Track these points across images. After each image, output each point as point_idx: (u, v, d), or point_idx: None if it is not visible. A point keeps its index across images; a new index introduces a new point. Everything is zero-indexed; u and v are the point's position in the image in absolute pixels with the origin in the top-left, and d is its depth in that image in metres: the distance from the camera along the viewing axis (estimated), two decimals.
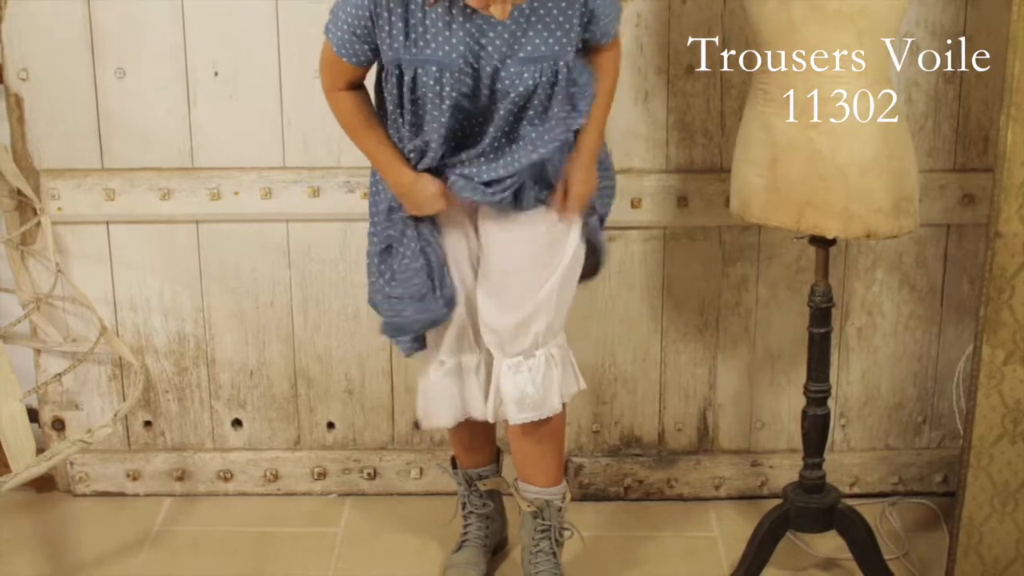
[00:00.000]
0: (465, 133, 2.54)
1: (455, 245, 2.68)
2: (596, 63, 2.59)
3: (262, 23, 3.02)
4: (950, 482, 3.26)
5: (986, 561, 2.73)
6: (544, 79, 2.45)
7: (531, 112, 2.49)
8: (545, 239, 2.63)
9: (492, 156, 2.53)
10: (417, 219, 2.62)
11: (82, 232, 3.17)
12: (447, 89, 2.43)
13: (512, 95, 2.45)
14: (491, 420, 2.76)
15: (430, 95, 2.45)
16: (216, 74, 3.06)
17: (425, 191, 2.57)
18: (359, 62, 2.51)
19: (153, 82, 3.07)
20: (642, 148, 3.09)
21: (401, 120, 2.52)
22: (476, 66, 2.43)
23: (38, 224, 3.13)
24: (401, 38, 2.42)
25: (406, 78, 2.45)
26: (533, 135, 2.51)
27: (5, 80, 3.08)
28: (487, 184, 2.54)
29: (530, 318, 2.64)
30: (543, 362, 2.68)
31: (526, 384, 2.67)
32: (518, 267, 2.63)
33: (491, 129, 2.50)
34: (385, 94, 2.54)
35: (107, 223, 3.16)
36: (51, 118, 3.09)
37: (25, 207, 3.14)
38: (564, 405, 2.75)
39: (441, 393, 2.77)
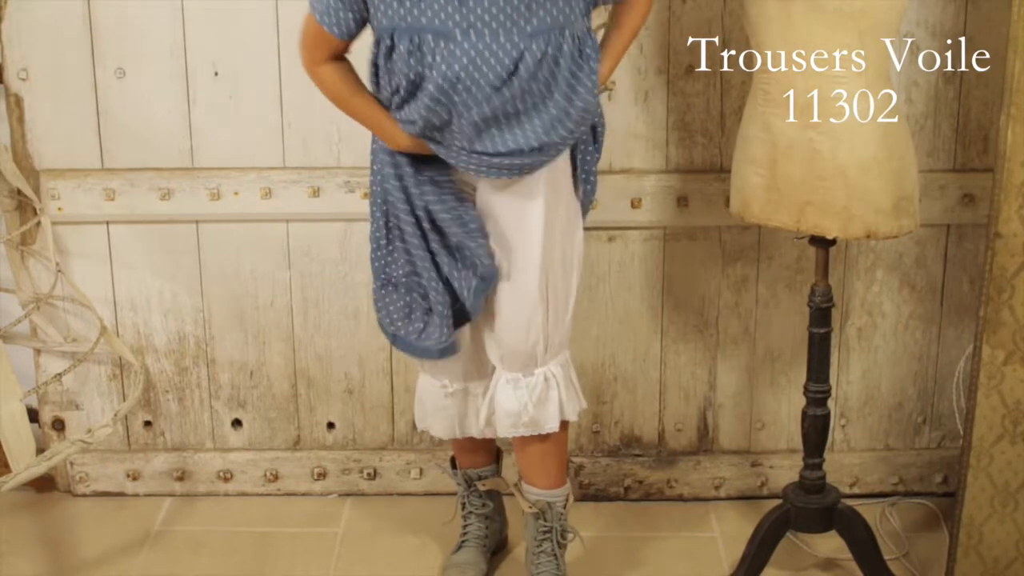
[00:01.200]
0: (458, 110, 2.41)
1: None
2: (622, 12, 2.51)
3: (262, 23, 3.02)
4: (950, 482, 3.26)
5: (986, 561, 2.73)
6: (551, 51, 2.36)
7: (535, 92, 2.38)
8: (540, 248, 2.56)
9: (485, 131, 2.42)
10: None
11: (82, 232, 3.17)
12: (438, 59, 2.33)
13: (518, 70, 2.34)
14: (482, 429, 2.74)
15: (423, 67, 2.35)
16: (216, 74, 3.06)
17: (422, 148, 2.50)
18: (342, 33, 2.43)
19: (153, 82, 3.07)
20: (642, 148, 3.09)
21: (391, 94, 2.44)
22: (475, 39, 2.33)
23: (38, 224, 3.13)
24: (395, 3, 2.34)
25: (400, 48, 2.36)
26: (535, 122, 2.41)
27: (5, 80, 3.08)
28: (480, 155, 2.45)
29: (528, 334, 2.60)
30: (541, 381, 2.65)
31: (523, 401, 2.64)
32: (514, 279, 2.58)
33: (485, 107, 2.38)
34: (378, 67, 2.44)
35: (107, 223, 3.16)
36: (51, 118, 3.09)
37: (25, 207, 3.14)
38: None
39: (440, 411, 2.78)
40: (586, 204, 2.69)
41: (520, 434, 2.69)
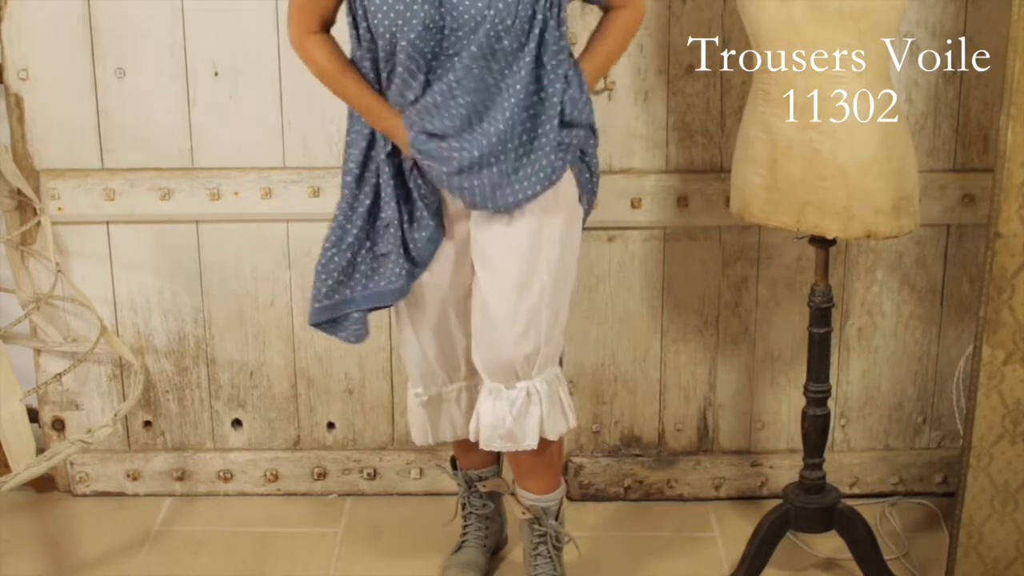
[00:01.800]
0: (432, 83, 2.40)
1: (439, 282, 2.64)
2: (607, 19, 2.52)
3: (262, 23, 3.02)
4: (950, 482, 3.26)
5: (986, 561, 2.73)
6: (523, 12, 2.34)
7: (502, 65, 2.37)
8: (530, 257, 2.53)
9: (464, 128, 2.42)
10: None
11: (82, 232, 3.17)
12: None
13: (487, 21, 2.33)
14: (472, 440, 2.71)
15: (403, 19, 2.34)
16: (216, 74, 3.06)
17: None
18: None
19: (153, 82, 3.07)
20: (642, 148, 3.09)
21: (371, 65, 2.44)
22: None
23: (38, 224, 3.13)
24: None
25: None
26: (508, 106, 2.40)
27: (5, 80, 3.08)
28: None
29: (510, 346, 2.56)
30: (523, 395, 2.60)
31: (501, 414, 2.60)
32: (502, 287, 2.55)
33: (461, 76, 2.37)
34: (350, 31, 2.44)
35: (107, 223, 3.16)
36: (51, 118, 3.09)
37: (25, 207, 3.14)
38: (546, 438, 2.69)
39: (414, 418, 2.79)
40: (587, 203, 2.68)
41: (497, 448, 2.65)
